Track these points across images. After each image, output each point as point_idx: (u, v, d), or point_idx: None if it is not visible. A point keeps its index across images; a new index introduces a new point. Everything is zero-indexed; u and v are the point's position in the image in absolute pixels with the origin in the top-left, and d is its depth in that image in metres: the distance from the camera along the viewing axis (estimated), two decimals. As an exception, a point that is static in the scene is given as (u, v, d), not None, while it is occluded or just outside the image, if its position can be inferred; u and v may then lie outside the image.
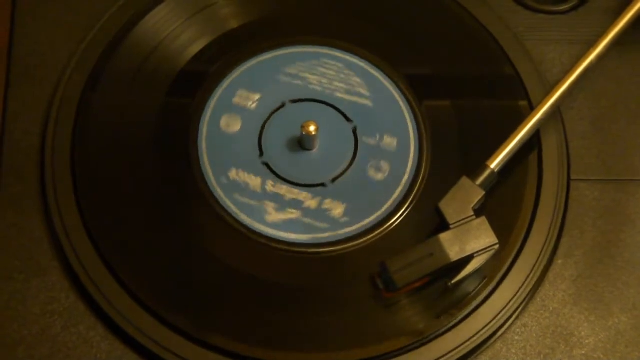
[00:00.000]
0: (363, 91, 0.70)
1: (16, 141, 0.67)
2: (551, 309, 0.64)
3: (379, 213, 0.66)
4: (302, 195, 0.67)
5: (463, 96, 0.70)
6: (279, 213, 0.66)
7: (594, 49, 0.68)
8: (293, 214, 0.66)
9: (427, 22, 0.73)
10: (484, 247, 0.62)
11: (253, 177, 0.67)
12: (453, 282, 0.62)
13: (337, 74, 0.71)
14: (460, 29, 0.73)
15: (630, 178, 0.68)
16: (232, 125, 0.68)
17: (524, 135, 0.66)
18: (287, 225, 0.65)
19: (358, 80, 0.70)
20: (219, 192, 0.66)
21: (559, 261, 0.66)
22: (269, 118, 0.69)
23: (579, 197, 0.67)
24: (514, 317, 0.64)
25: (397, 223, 0.66)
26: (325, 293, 0.64)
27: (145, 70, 0.70)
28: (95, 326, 0.62)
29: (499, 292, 0.63)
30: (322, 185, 0.67)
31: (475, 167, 0.65)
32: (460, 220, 0.62)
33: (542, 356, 0.63)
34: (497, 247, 0.62)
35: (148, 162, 0.67)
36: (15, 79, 0.69)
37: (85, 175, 0.66)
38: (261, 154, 0.68)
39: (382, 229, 0.66)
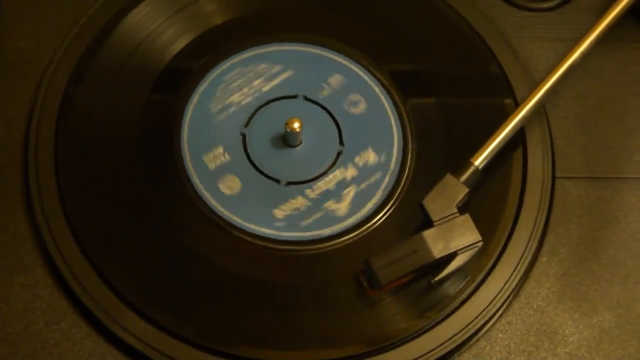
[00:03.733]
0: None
1: (-1, 138, 0.67)
2: (535, 306, 0.64)
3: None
4: (338, 174, 0.67)
5: (448, 93, 0.70)
6: (344, 199, 0.66)
7: (579, 47, 0.68)
8: (353, 190, 0.66)
9: (411, 19, 0.73)
10: (467, 244, 0.61)
11: (293, 200, 0.66)
12: (436, 279, 0.62)
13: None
14: (445, 25, 0.73)
15: (615, 176, 0.68)
16: (233, 187, 0.67)
17: (508, 133, 0.65)
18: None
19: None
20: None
21: (544, 259, 0.66)
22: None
23: (564, 194, 0.67)
24: (497, 314, 0.63)
25: (381, 220, 0.66)
26: (308, 291, 0.63)
27: (129, 67, 0.69)
28: (78, 323, 0.62)
29: (483, 289, 0.63)
30: (339, 153, 0.68)
31: (460, 164, 0.64)
32: (443, 218, 0.62)
33: (526, 354, 0.63)
34: (480, 244, 0.62)
35: (131, 159, 0.67)
36: (-2, 74, 0.69)
37: (68, 172, 0.65)
38: (277, 181, 0.67)
39: (366, 226, 0.66)
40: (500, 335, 0.63)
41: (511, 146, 0.66)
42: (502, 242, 0.65)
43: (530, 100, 0.66)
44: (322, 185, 0.67)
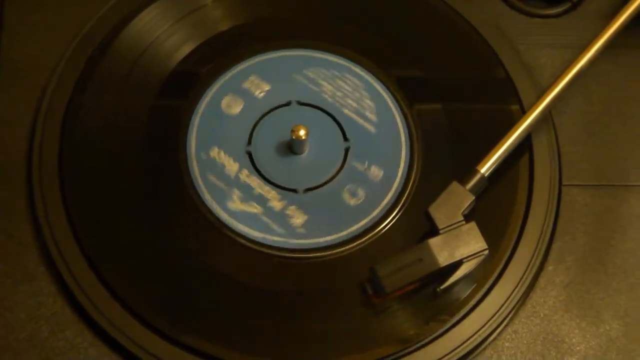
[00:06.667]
0: (371, 116, 0.69)
1: (3, 145, 0.67)
2: (542, 315, 0.64)
3: (336, 235, 0.65)
4: (270, 193, 0.66)
5: (454, 99, 0.70)
6: (242, 203, 0.65)
7: (586, 53, 0.68)
8: (255, 209, 0.66)
9: (419, 25, 0.73)
10: (473, 252, 0.61)
11: (232, 161, 0.67)
12: (442, 287, 0.61)
13: (352, 91, 0.70)
14: (452, 32, 0.72)
15: (622, 183, 0.68)
16: (233, 107, 0.67)
17: (515, 140, 0.65)
18: (244, 217, 0.65)
19: (370, 103, 0.69)
20: (196, 173, 0.66)
21: (550, 267, 0.65)
22: (269, 112, 0.69)
23: (571, 202, 0.67)
24: (504, 323, 0.63)
25: (387, 228, 0.65)
26: (313, 299, 0.63)
27: (135, 73, 0.69)
28: (82, 332, 0.62)
29: (489, 298, 0.63)
30: (294, 191, 0.67)
31: (466, 171, 0.64)
32: (449, 225, 0.62)
33: (532, 363, 0.63)
34: (486, 252, 0.61)
35: (137, 166, 0.66)
36: (3, 81, 0.69)
37: (73, 179, 0.65)
38: (249, 142, 0.67)
39: (373, 233, 0.65)
40: (507, 344, 0.63)
41: (518, 153, 0.66)
42: (509, 250, 0.64)
43: (536, 107, 0.66)
44: (255, 183, 0.66)
